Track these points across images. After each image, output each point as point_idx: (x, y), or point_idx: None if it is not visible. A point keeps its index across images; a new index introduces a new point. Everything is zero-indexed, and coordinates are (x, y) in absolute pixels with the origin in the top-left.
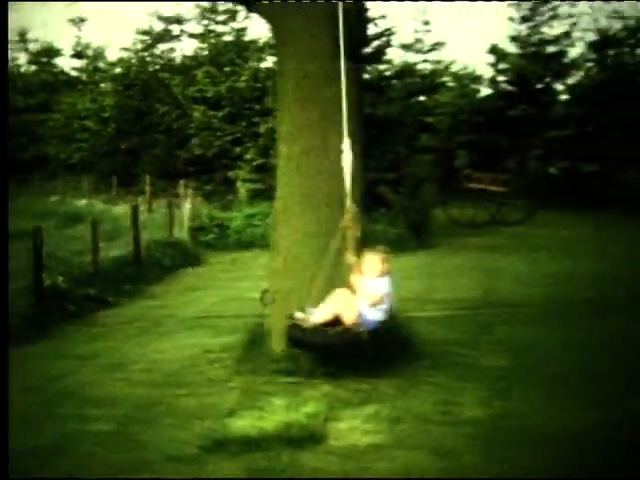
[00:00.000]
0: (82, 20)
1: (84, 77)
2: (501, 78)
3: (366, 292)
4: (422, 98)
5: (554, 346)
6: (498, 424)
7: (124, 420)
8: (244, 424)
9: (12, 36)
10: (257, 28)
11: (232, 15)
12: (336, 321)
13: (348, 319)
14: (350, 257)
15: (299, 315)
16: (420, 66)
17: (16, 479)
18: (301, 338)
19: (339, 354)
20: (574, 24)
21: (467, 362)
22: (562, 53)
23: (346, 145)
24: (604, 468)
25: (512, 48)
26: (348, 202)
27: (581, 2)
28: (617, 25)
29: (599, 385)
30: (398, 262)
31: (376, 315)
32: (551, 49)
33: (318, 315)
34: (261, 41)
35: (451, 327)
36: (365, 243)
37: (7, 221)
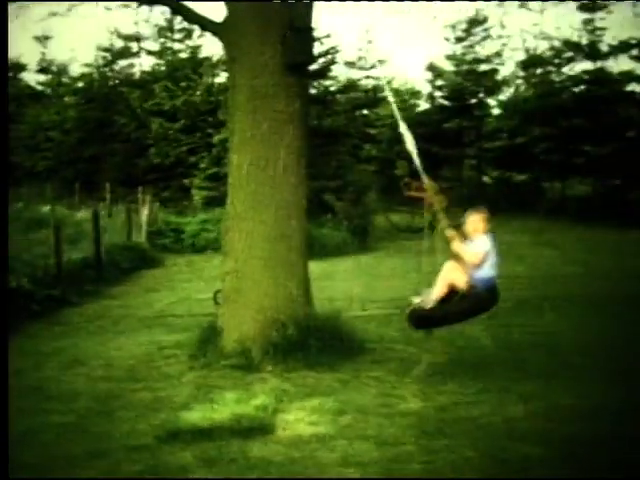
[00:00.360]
0: (47, 38)
1: (48, 91)
2: (438, 93)
3: (470, 253)
4: (365, 111)
5: (486, 342)
6: (433, 415)
7: (84, 413)
8: (197, 416)
9: None
10: (211, 46)
11: (188, 33)
12: (452, 292)
13: (461, 286)
14: (447, 227)
15: (416, 299)
16: (363, 82)
17: (16, 479)
18: (426, 319)
19: (464, 319)
20: (504, 44)
21: (404, 357)
22: (494, 71)
23: (403, 128)
24: (532, 456)
25: (448, 66)
26: (425, 179)
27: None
28: (544, 45)
29: (529, 379)
30: (341, 264)
31: (485, 272)
32: (484, 67)
33: (434, 293)
34: (214, 58)
35: (389, 325)
36: (311, 248)
37: (7, 221)
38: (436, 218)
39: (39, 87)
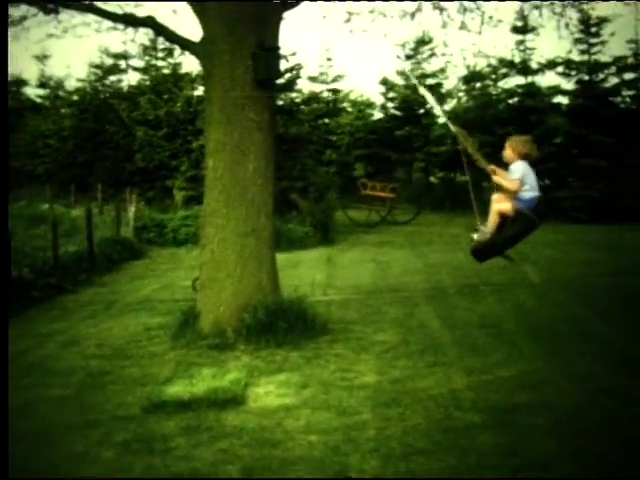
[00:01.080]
0: (45, 56)
1: (47, 103)
2: (390, 104)
3: (506, 182)
4: (326, 120)
5: (435, 323)
6: (388, 388)
7: (79, 387)
8: (178, 389)
9: None
10: (190, 63)
11: (169, 52)
12: (504, 219)
13: (508, 212)
14: (486, 164)
15: (476, 235)
16: (324, 94)
17: (16, 479)
18: (489, 248)
19: (521, 239)
20: (448, 62)
21: (361, 337)
22: (439, 85)
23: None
24: (474, 423)
25: (399, 80)
26: (454, 128)
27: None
28: (482, 62)
29: (474, 355)
30: (306, 255)
31: (528, 193)
32: (430, 81)
33: (489, 224)
34: (193, 73)
35: (348, 309)
36: (278, 241)
37: (7, 219)
38: (389, 213)
39: (38, 100)
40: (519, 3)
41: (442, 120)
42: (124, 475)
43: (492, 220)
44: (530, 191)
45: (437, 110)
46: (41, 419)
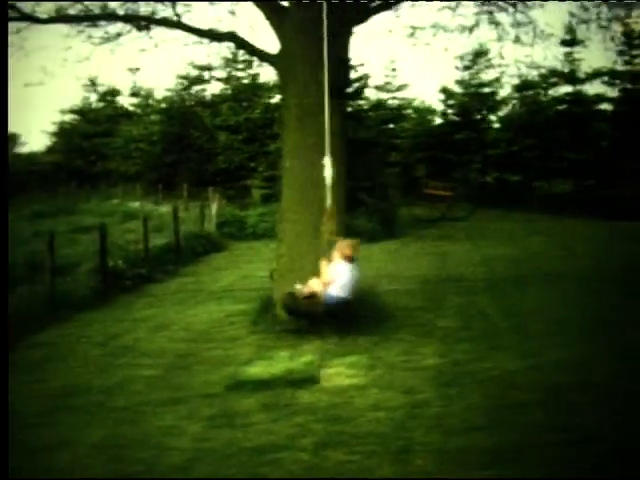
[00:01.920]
0: (137, 69)
1: (138, 111)
2: (449, 111)
3: (323, 274)
4: (391, 125)
5: (493, 311)
6: (449, 369)
7: (168, 367)
8: (257, 370)
9: (85, 81)
10: (267, 73)
11: (249, 64)
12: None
13: (317, 291)
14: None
15: (298, 286)
16: (389, 102)
17: (16, 479)
18: (292, 307)
19: (316, 319)
20: (503, 72)
21: (425, 323)
22: (494, 93)
23: (327, 161)
24: (528, 401)
25: (457, 89)
26: (328, 202)
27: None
28: (534, 72)
29: (527, 339)
30: (373, 248)
31: (334, 291)
32: (486, 90)
33: (307, 287)
34: (270, 83)
35: (413, 297)
36: (347, 236)
37: (7, 227)
38: (448, 210)
39: (131, 108)
40: (568, 18)
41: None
42: (209, 445)
43: (306, 290)
44: (340, 290)
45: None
46: (134, 395)
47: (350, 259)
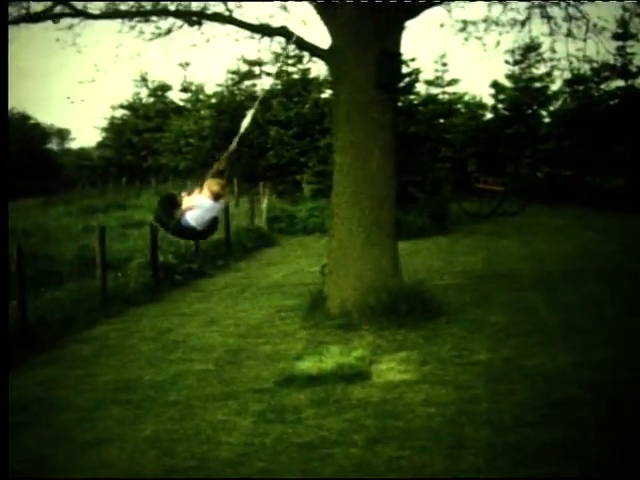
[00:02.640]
0: (188, 64)
1: (189, 106)
2: (500, 105)
3: (189, 201)
4: (442, 120)
5: (541, 306)
6: (499, 365)
7: (219, 362)
8: (308, 365)
9: (136, 77)
10: (318, 68)
11: (299, 59)
12: None
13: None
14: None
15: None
16: (440, 96)
17: (16, 479)
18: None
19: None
20: (554, 66)
21: (475, 318)
22: (545, 87)
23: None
24: (576, 398)
25: (508, 83)
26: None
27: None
28: (586, 67)
29: (579, 336)
30: (424, 244)
31: (189, 219)
32: (537, 84)
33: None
34: (321, 78)
35: (462, 292)
36: (399, 231)
37: (7, 229)
38: (499, 205)
39: (181, 103)
40: (621, 11)
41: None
42: (260, 441)
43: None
44: (191, 219)
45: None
46: (186, 390)
47: (215, 196)
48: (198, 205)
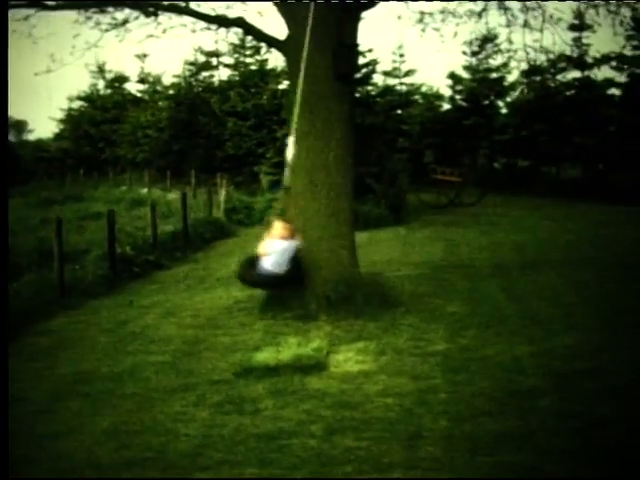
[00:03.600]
0: (145, 55)
1: (146, 97)
2: (457, 96)
3: (260, 246)
4: (399, 111)
5: (499, 296)
6: (457, 355)
7: (176, 353)
8: (266, 356)
9: (94, 68)
10: (275, 59)
11: (257, 50)
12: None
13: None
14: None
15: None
16: (397, 87)
17: (16, 479)
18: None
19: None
20: (511, 57)
21: (433, 308)
22: (502, 78)
23: (291, 140)
24: (535, 387)
25: (465, 74)
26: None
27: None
28: (542, 57)
29: (536, 325)
30: (381, 234)
31: (265, 264)
32: (494, 75)
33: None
34: (278, 69)
35: (420, 283)
36: (356, 222)
37: (7, 220)
38: (456, 196)
39: (139, 94)
40: (577, 2)
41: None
42: (218, 432)
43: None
44: (270, 266)
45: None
46: (143, 382)
47: (286, 238)
48: (271, 250)
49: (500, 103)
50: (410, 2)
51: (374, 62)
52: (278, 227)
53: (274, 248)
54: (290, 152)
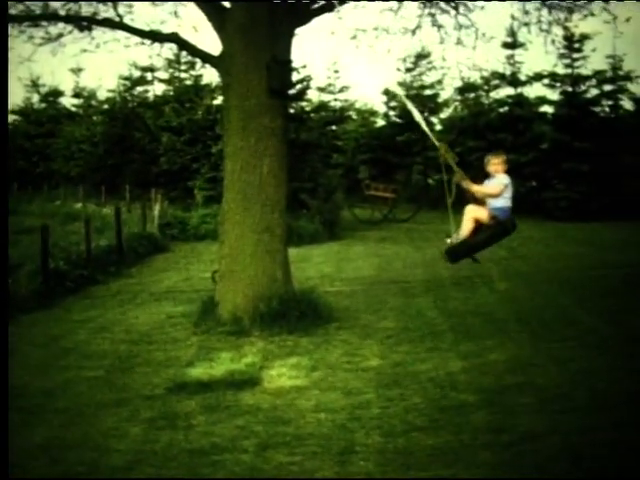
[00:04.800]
0: (80, 70)
1: (81, 112)
2: (392, 113)
3: (492, 186)
4: (334, 127)
5: (432, 312)
6: (390, 370)
7: (109, 369)
8: (199, 371)
9: (27, 82)
10: (210, 75)
11: (191, 65)
12: (478, 226)
13: (484, 218)
14: (461, 177)
15: (449, 240)
16: (332, 103)
17: (16, 479)
18: (460, 249)
19: (491, 243)
20: (445, 74)
21: (366, 324)
22: (436, 95)
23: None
24: (467, 403)
25: (400, 91)
26: (437, 143)
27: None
28: (476, 75)
29: (469, 341)
30: (315, 250)
31: (503, 202)
32: (428, 92)
33: (463, 230)
34: (213, 84)
35: (354, 298)
36: (290, 237)
37: (7, 219)
38: (390, 211)
39: (73, 109)
40: (510, 20)
41: (427, 134)
42: (151, 447)
43: (465, 227)
44: (508, 200)
45: (423, 126)
46: (76, 397)
47: (500, 170)
48: (505, 184)
49: (434, 119)
50: (344, 18)
51: (308, 78)
52: (495, 161)
53: (509, 181)
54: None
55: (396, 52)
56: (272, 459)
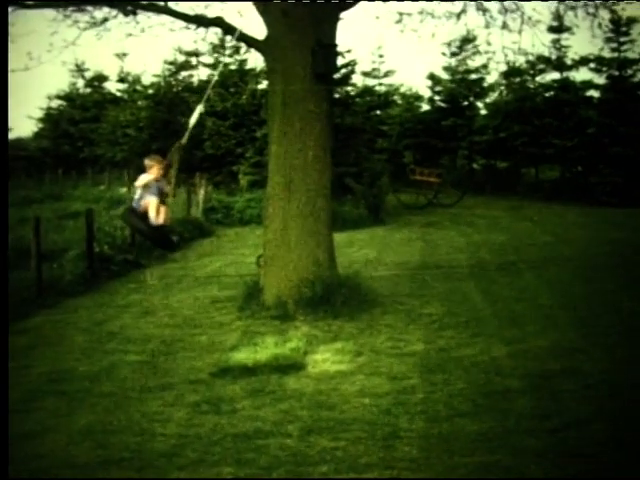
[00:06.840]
0: (124, 54)
1: (125, 96)
2: (437, 97)
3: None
4: (378, 112)
5: (477, 297)
6: (434, 355)
7: (154, 353)
8: (243, 356)
9: (72, 67)
10: (254, 59)
11: (236, 49)
12: None
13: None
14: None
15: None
16: (377, 88)
17: (16, 479)
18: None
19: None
20: (490, 58)
21: (410, 309)
22: (481, 79)
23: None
24: (511, 388)
25: (445, 75)
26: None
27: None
28: (521, 59)
29: (514, 326)
30: (360, 235)
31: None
32: (473, 76)
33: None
34: (257, 69)
35: (398, 283)
36: (335, 222)
37: (7, 215)
38: (435, 196)
39: (118, 93)
40: (556, 4)
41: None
42: (195, 431)
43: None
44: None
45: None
46: (121, 381)
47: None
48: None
49: (479, 104)
50: (389, 2)
51: (353, 62)
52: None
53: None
54: (194, 118)
55: (441, 36)
56: (316, 444)
